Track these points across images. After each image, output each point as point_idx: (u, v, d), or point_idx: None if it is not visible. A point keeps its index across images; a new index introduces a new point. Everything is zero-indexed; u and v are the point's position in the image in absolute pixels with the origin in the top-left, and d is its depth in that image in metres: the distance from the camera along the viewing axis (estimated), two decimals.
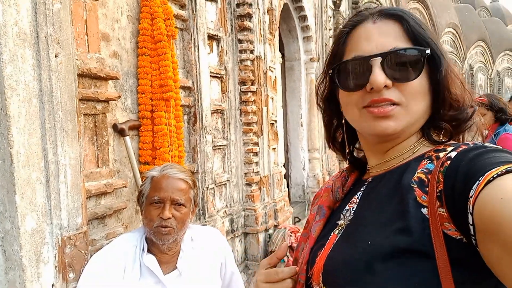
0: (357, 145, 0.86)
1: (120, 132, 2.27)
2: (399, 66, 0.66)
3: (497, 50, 15.40)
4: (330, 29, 6.70)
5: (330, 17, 6.94)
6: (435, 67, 0.68)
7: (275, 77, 4.25)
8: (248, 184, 3.77)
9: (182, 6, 2.93)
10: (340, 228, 0.74)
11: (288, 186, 5.88)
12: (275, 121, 4.24)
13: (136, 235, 1.63)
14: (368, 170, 0.80)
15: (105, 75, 2.09)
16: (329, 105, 0.83)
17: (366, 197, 0.74)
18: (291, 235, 3.55)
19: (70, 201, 1.74)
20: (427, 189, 0.61)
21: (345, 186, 0.82)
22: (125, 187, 2.29)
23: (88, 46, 2.06)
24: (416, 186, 0.62)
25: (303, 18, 5.41)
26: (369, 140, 0.76)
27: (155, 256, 1.55)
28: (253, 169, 3.76)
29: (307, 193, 5.81)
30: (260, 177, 3.84)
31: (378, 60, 0.66)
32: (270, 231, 3.82)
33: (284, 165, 5.61)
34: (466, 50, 14.28)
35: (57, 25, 1.69)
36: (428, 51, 0.66)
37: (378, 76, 0.66)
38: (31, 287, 1.58)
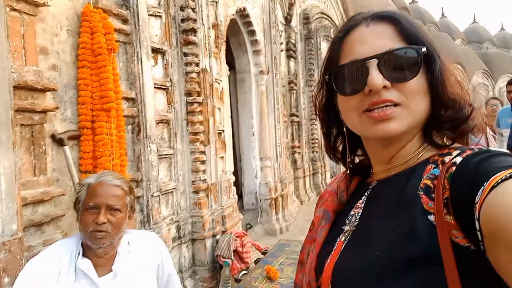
0: (359, 153, 0.85)
1: (58, 141, 2.34)
2: (396, 66, 0.66)
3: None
4: (281, 43, 6.99)
5: (281, 31, 7.23)
6: (430, 66, 0.68)
7: (222, 88, 4.42)
8: (196, 192, 3.88)
9: (125, 21, 3.05)
10: (346, 234, 0.73)
11: (241, 194, 6.03)
12: (223, 130, 4.40)
13: (72, 241, 1.69)
14: (372, 174, 0.79)
15: (42, 87, 2.17)
16: (328, 114, 0.82)
17: (371, 202, 0.73)
18: (236, 240, 3.68)
19: (4, 208, 1.80)
20: (433, 195, 0.60)
21: (349, 189, 0.81)
22: (64, 195, 2.35)
23: (25, 59, 2.14)
24: (422, 193, 0.61)
25: (252, 32, 5.63)
26: (373, 145, 0.75)
27: (90, 260, 1.62)
28: (200, 177, 3.88)
29: (260, 200, 5.97)
30: (208, 184, 3.97)
31: (374, 61, 0.66)
32: (218, 236, 3.94)
33: (237, 174, 5.77)
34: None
35: None
36: (424, 49, 0.66)
37: (375, 77, 0.65)
38: None
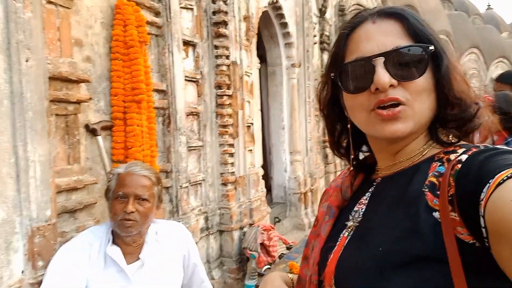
0: (364, 148, 0.85)
1: (92, 131, 2.42)
2: (402, 64, 0.65)
3: (491, 57, 15.57)
4: (314, 36, 6.88)
5: (315, 24, 7.12)
6: (437, 64, 0.67)
7: (252, 81, 4.41)
8: (224, 184, 3.91)
9: (157, 14, 3.09)
10: (349, 230, 0.73)
11: (270, 188, 6.03)
12: (252, 123, 4.40)
13: (103, 228, 1.75)
14: (377, 170, 0.79)
15: (76, 78, 2.24)
16: (333, 110, 0.82)
17: (375, 199, 0.74)
18: (263, 233, 3.69)
19: (39, 195, 1.88)
20: (438, 192, 0.60)
21: (353, 185, 0.82)
22: (96, 183, 2.42)
23: (60, 51, 2.21)
24: (427, 190, 0.62)
25: (284, 25, 5.58)
26: (378, 142, 0.75)
27: (119, 247, 1.67)
28: (228, 169, 3.90)
29: (289, 194, 5.95)
30: (236, 177, 3.99)
31: (381, 59, 0.65)
32: (245, 229, 3.96)
33: (266, 167, 5.77)
34: (459, 57, 14.40)
35: (28, 32, 1.84)
36: (431, 48, 0.66)
37: (382, 76, 0.65)
38: (1, 273, 1.71)
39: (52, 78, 2.10)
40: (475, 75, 15.17)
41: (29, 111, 1.83)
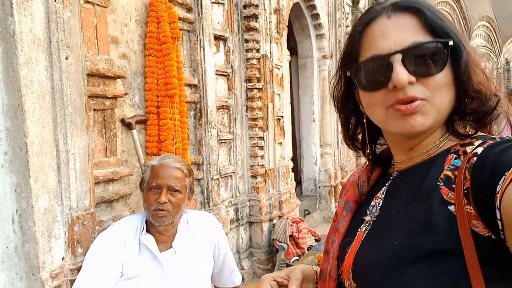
0: (379, 142, 0.84)
1: (127, 125, 2.52)
2: (421, 61, 0.63)
3: None
4: (347, 26, 6.77)
5: (348, 13, 6.99)
6: (456, 59, 0.65)
7: (282, 74, 4.42)
8: (254, 176, 3.96)
9: (189, 10, 3.15)
10: (367, 224, 0.74)
11: (300, 180, 6.03)
12: (282, 116, 4.41)
13: (138, 217, 1.83)
14: (393, 164, 0.79)
15: (112, 75, 2.33)
16: (347, 105, 0.81)
17: (391, 193, 0.73)
18: (292, 225, 3.72)
19: (79, 186, 1.98)
20: (453, 186, 0.60)
21: (370, 180, 0.81)
22: (131, 175, 2.53)
23: (98, 48, 2.30)
24: (442, 184, 0.61)
25: (316, 16, 5.52)
26: (394, 137, 0.74)
27: (153, 235, 1.75)
28: (258, 162, 3.95)
29: (319, 187, 5.94)
30: (265, 169, 4.03)
31: (399, 57, 0.63)
32: (275, 221, 4.01)
33: (296, 160, 5.77)
34: (502, 44, 13.73)
35: (67, 31, 1.93)
36: (451, 43, 0.63)
37: (401, 74, 0.63)
38: (44, 259, 1.83)
39: (90, 75, 2.20)
40: None
41: (69, 106, 1.93)
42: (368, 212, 0.76)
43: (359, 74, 0.70)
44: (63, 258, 1.92)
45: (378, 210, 0.73)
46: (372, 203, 0.76)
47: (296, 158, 5.83)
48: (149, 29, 2.69)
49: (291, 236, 3.64)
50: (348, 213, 0.81)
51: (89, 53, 2.22)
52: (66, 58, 1.93)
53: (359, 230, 0.74)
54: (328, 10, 5.80)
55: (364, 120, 0.77)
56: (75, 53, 1.97)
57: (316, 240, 3.39)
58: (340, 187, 6.08)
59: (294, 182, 4.70)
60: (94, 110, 2.28)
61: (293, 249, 3.60)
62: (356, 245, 0.72)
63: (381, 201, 0.74)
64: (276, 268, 3.62)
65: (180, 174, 1.74)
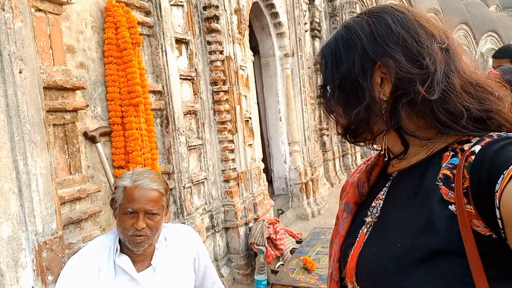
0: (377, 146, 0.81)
1: (91, 139, 2.38)
2: None
3: (480, 32, 15.59)
4: (305, 23, 6.82)
5: (305, 11, 7.06)
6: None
7: (247, 75, 4.37)
8: (226, 181, 3.89)
9: (148, 13, 3.03)
10: (368, 226, 0.73)
11: (271, 180, 6.01)
12: (250, 118, 4.36)
13: (110, 237, 1.71)
14: (392, 164, 0.78)
15: (71, 86, 2.19)
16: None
17: (392, 193, 0.73)
18: (269, 227, 3.68)
19: (43, 208, 1.84)
20: (453, 185, 0.60)
21: (370, 180, 0.81)
22: (99, 191, 2.39)
23: (53, 59, 2.16)
24: (441, 183, 0.61)
25: (275, 15, 5.51)
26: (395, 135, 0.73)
27: (128, 256, 1.65)
28: (229, 166, 3.88)
29: (290, 185, 5.95)
30: (238, 173, 3.97)
31: None
32: (251, 224, 3.95)
33: (266, 160, 5.75)
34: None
35: (19, 43, 1.79)
36: None
37: None
38: None
39: (47, 88, 2.05)
40: (465, 51, 15.19)
41: (26, 123, 1.79)
42: (369, 213, 0.75)
43: None
44: None
45: (378, 211, 0.73)
46: (373, 204, 0.76)
47: (265, 158, 5.81)
48: (107, 36, 2.56)
49: (268, 238, 3.60)
50: (348, 214, 0.81)
51: (44, 64, 2.07)
52: (20, 72, 1.78)
53: (361, 231, 0.74)
54: (287, 9, 5.81)
55: (384, 111, 0.70)
56: (29, 65, 1.83)
57: (298, 242, 3.37)
58: (311, 183, 6.13)
59: (267, 183, 4.67)
60: (54, 125, 2.13)
61: (272, 251, 3.56)
62: (358, 247, 0.72)
63: (382, 202, 0.74)
64: (256, 272, 3.57)
65: (157, 195, 1.63)
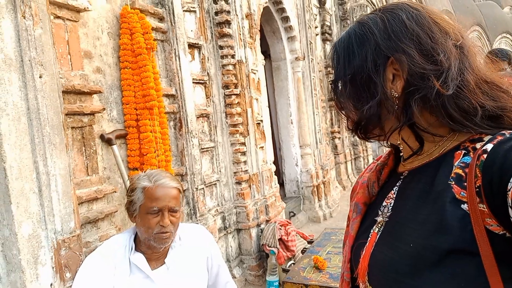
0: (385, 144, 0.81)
1: (107, 141, 2.45)
2: None
3: (494, 33, 15.34)
4: (316, 27, 6.85)
5: (316, 15, 7.09)
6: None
7: (259, 78, 4.42)
8: (238, 183, 3.93)
9: (161, 19, 3.10)
10: (379, 225, 0.73)
11: (282, 182, 6.04)
12: (261, 120, 4.41)
13: (126, 236, 1.77)
14: (403, 163, 0.78)
15: (88, 90, 2.26)
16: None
17: (403, 193, 0.73)
18: (280, 228, 3.71)
19: (62, 208, 1.91)
20: (465, 184, 0.59)
21: (380, 180, 0.81)
22: (115, 192, 2.46)
23: (71, 64, 2.23)
24: (453, 183, 0.61)
25: (286, 19, 5.56)
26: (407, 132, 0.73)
27: (143, 254, 1.70)
28: (241, 168, 3.92)
29: (301, 188, 5.96)
30: (249, 175, 4.01)
31: None
32: (262, 226, 3.99)
33: (277, 162, 5.78)
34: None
35: (39, 49, 1.86)
36: None
37: None
38: (31, 287, 1.75)
39: (66, 92, 2.12)
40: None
41: (46, 126, 1.85)
42: (380, 213, 0.75)
43: None
44: (51, 285, 1.84)
45: (390, 211, 0.73)
46: (384, 204, 0.75)
47: (277, 161, 5.83)
48: (123, 41, 2.63)
49: (280, 239, 3.63)
50: (357, 215, 0.80)
51: (62, 69, 2.15)
52: (40, 77, 1.86)
53: (372, 231, 0.74)
54: (297, 13, 5.85)
55: (396, 107, 0.70)
56: (48, 70, 1.90)
57: (309, 242, 3.39)
58: (322, 186, 6.13)
59: (278, 185, 4.70)
60: (72, 128, 2.21)
61: (284, 253, 3.59)
62: (370, 247, 0.72)
63: (393, 201, 0.73)
64: (267, 273, 3.59)
65: (177, 193, 1.70)
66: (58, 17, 2.17)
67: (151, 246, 1.66)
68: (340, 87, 0.77)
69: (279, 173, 5.89)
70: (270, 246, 3.64)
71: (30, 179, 1.78)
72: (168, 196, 1.65)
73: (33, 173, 1.80)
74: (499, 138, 0.60)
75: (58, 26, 2.16)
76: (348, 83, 0.74)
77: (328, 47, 7.53)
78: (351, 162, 8.21)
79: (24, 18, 1.80)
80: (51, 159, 1.86)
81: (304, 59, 5.93)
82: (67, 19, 2.22)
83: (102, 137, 2.42)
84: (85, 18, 2.41)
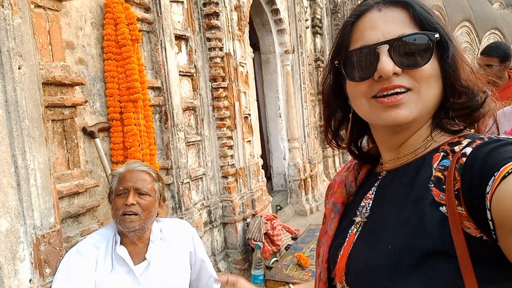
0: (364, 141, 0.84)
1: (89, 134, 2.40)
2: (407, 52, 0.64)
3: (483, 29, 15.47)
4: (306, 20, 6.81)
5: (306, 7, 7.04)
6: (443, 52, 0.66)
7: (247, 72, 4.38)
8: (225, 177, 3.92)
9: (147, 9, 3.04)
10: (357, 225, 0.73)
11: (270, 176, 6.04)
12: (249, 114, 4.38)
13: (109, 230, 1.75)
14: (381, 163, 0.78)
15: (70, 82, 2.21)
16: (334, 100, 0.80)
17: (381, 193, 0.73)
18: (266, 223, 3.71)
19: (41, 202, 1.87)
20: (444, 186, 0.60)
21: (357, 179, 0.81)
22: (97, 186, 2.42)
23: (52, 55, 2.17)
24: (433, 185, 0.61)
25: (276, 11, 5.51)
26: (381, 132, 0.74)
27: (126, 247, 1.68)
28: (228, 162, 3.90)
29: (289, 181, 5.97)
30: (236, 169, 3.99)
31: (385, 47, 0.65)
32: (248, 220, 3.98)
33: (265, 156, 5.77)
34: (451, 31, 14.36)
35: (18, 39, 1.81)
36: (436, 36, 0.65)
37: (386, 63, 0.64)
38: (9, 283, 1.71)
39: (46, 84, 2.07)
40: (468, 49, 15.12)
41: (25, 119, 1.81)
42: (358, 213, 0.75)
43: (346, 63, 0.70)
44: (30, 280, 1.81)
45: (368, 211, 0.73)
46: (362, 204, 0.75)
47: (265, 154, 5.83)
48: (107, 32, 2.57)
49: (266, 234, 3.63)
50: (336, 214, 0.80)
51: (43, 60, 2.09)
52: (19, 68, 1.80)
53: (350, 231, 0.74)
54: (288, 5, 5.81)
55: (350, 115, 0.77)
56: (28, 61, 1.84)
57: (293, 239, 3.40)
58: (309, 180, 6.15)
59: (265, 179, 4.70)
60: (53, 120, 2.16)
61: (269, 247, 3.60)
62: (348, 247, 0.72)
63: (371, 202, 0.74)
64: (253, 267, 3.60)
65: (147, 177, 1.70)
66: (39, 6, 2.10)
67: (129, 238, 1.65)
68: None
69: (266, 166, 5.89)
70: (256, 240, 3.65)
71: (8, 173, 1.74)
72: (135, 178, 1.66)
73: (11, 167, 1.75)
74: (478, 142, 0.60)
75: (39, 16, 2.10)
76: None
77: (319, 40, 7.50)
78: (339, 156, 8.24)
79: (3, 7, 1.74)
80: (30, 152, 1.82)
81: (293, 52, 5.91)
82: (49, 8, 2.16)
83: (84, 130, 2.37)
84: (67, 8, 2.34)
